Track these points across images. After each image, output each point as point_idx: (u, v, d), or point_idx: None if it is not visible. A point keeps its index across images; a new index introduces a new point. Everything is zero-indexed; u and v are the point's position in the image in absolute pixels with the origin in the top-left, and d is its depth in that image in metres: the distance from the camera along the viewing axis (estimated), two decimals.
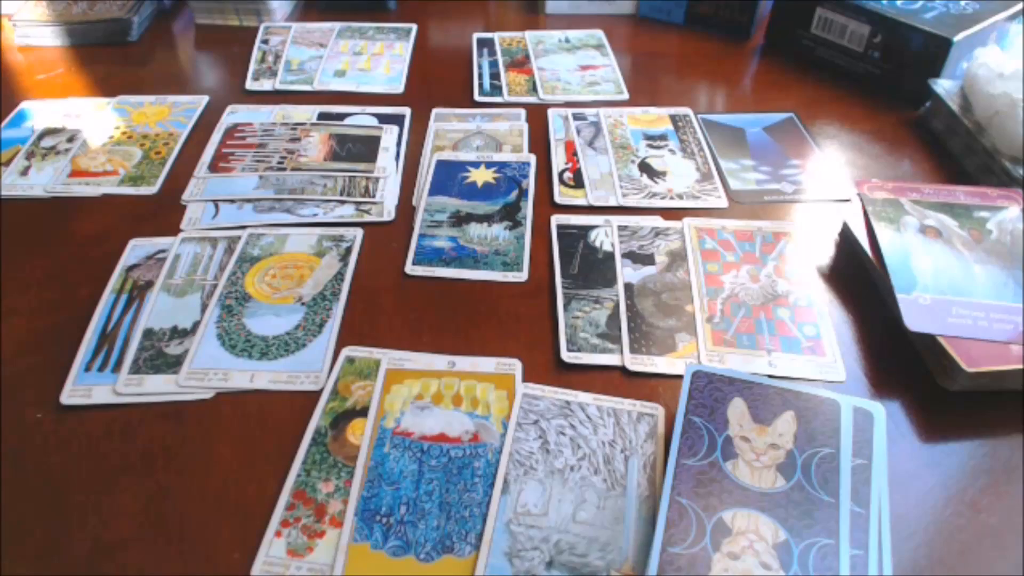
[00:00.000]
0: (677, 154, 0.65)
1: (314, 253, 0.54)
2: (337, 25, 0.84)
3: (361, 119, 0.69)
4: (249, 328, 0.48)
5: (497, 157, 0.64)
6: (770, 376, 0.44)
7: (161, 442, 0.42)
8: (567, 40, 0.82)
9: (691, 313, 0.50)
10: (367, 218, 0.58)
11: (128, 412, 0.44)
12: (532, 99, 0.72)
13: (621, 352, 0.47)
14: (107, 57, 0.79)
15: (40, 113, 0.69)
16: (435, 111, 0.70)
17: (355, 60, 0.78)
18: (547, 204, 0.59)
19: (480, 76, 0.76)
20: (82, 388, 0.45)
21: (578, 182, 0.61)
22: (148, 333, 0.48)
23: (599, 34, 0.82)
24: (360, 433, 0.42)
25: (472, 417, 0.43)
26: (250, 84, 0.74)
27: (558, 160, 0.64)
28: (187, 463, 0.41)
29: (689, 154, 0.65)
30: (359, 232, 0.56)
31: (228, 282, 0.52)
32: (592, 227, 0.57)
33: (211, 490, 0.40)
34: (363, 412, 0.44)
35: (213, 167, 0.62)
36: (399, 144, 0.66)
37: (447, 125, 0.68)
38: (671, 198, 0.60)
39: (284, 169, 0.62)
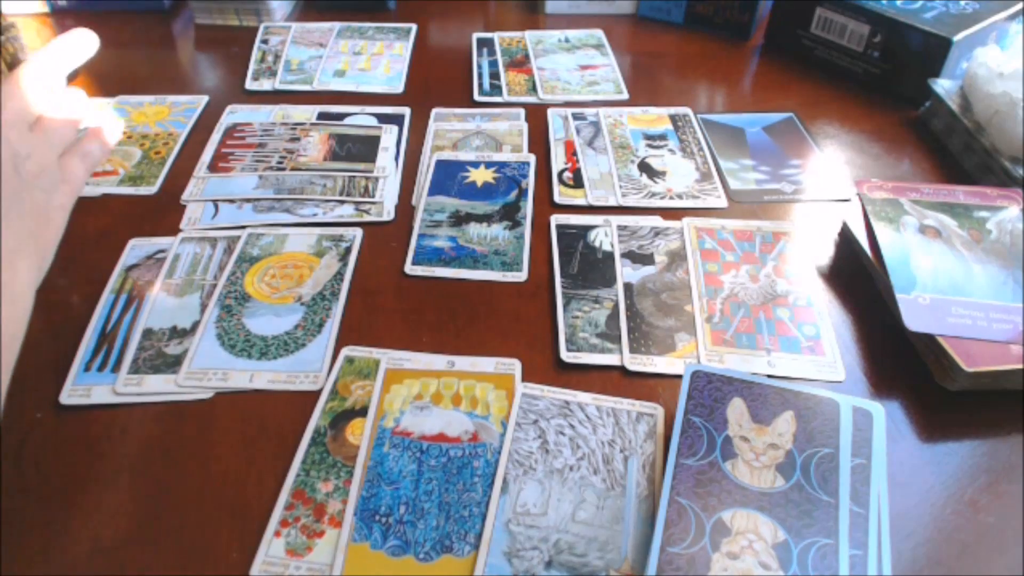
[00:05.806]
0: (677, 154, 0.64)
1: (314, 253, 0.54)
2: (337, 25, 0.84)
3: (361, 119, 0.69)
4: (248, 328, 0.48)
5: (497, 157, 0.64)
6: (769, 376, 0.44)
7: (160, 442, 0.42)
8: (567, 40, 0.82)
9: (690, 313, 0.50)
10: (367, 218, 0.58)
11: (127, 412, 0.44)
12: (532, 99, 0.72)
13: (620, 352, 0.47)
14: (107, 57, 0.79)
15: None
16: (435, 111, 0.70)
17: (355, 60, 0.78)
18: (547, 204, 0.59)
19: (480, 76, 0.76)
20: (81, 388, 0.45)
21: (578, 182, 0.61)
22: (147, 333, 0.48)
23: (599, 34, 0.82)
24: (359, 433, 0.42)
25: (471, 417, 0.43)
26: (250, 84, 0.74)
27: (558, 160, 0.64)
28: (186, 463, 0.41)
29: (689, 154, 0.64)
30: (358, 232, 0.56)
31: (227, 282, 0.52)
32: (592, 227, 0.57)
33: (210, 490, 0.40)
34: (362, 412, 0.44)
35: (213, 167, 0.62)
36: (399, 144, 0.66)
37: (447, 125, 0.68)
38: (671, 198, 0.60)
39: (284, 169, 0.62)
